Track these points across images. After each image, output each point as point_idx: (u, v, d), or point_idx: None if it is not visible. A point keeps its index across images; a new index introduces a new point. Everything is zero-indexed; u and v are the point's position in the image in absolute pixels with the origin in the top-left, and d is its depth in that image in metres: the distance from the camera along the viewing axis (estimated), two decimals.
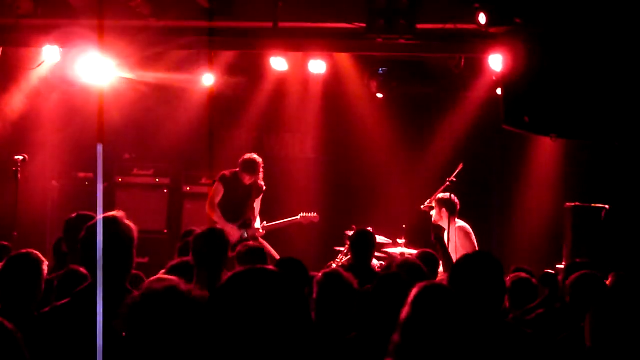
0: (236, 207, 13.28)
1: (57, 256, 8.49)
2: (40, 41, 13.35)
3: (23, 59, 14.83)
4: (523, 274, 9.06)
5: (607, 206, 13.06)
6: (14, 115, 15.79)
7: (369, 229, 10.89)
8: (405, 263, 8.51)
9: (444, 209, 12.65)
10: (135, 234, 5.76)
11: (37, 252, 6.71)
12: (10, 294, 6.41)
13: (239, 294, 3.54)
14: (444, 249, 11.43)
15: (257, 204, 13.42)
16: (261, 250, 9.00)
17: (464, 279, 5.72)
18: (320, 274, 7.02)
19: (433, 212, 12.91)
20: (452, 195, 12.67)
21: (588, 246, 12.67)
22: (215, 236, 7.54)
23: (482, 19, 10.68)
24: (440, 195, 12.70)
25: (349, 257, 12.63)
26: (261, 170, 13.38)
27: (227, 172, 13.41)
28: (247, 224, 13.22)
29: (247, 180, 13.26)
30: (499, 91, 11.96)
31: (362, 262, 10.12)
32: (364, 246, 10.33)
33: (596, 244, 12.68)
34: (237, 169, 13.33)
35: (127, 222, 5.75)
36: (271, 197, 14.60)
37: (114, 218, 5.70)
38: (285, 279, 3.64)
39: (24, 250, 6.73)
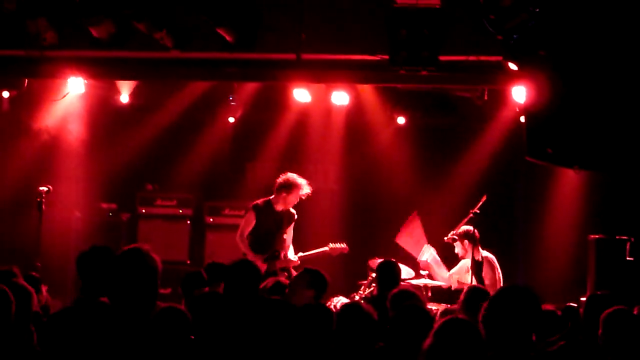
0: (265, 238, 13.07)
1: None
2: (65, 73, 13.44)
3: (48, 90, 14.94)
4: (548, 306, 9.01)
5: (631, 239, 13.00)
6: (39, 146, 15.89)
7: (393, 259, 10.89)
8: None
9: (466, 241, 12.70)
10: (160, 266, 5.78)
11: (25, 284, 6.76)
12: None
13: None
14: (480, 282, 11.46)
15: (289, 233, 13.20)
16: (284, 287, 9.02)
17: (503, 311, 5.69)
18: (339, 306, 7.02)
19: (457, 248, 12.92)
20: (470, 227, 12.70)
21: (612, 279, 12.61)
22: (248, 268, 7.58)
23: (513, 67, 10.74)
24: (463, 227, 12.72)
25: (371, 288, 12.61)
26: (300, 192, 13.16)
27: (259, 201, 13.22)
28: (275, 256, 13.06)
29: (278, 207, 13.13)
30: (522, 122, 11.94)
31: (387, 294, 10.08)
32: (388, 277, 10.31)
33: (620, 276, 12.61)
34: (270, 197, 13.20)
35: (152, 254, 5.78)
36: (294, 228, 14.61)
37: (139, 250, 5.74)
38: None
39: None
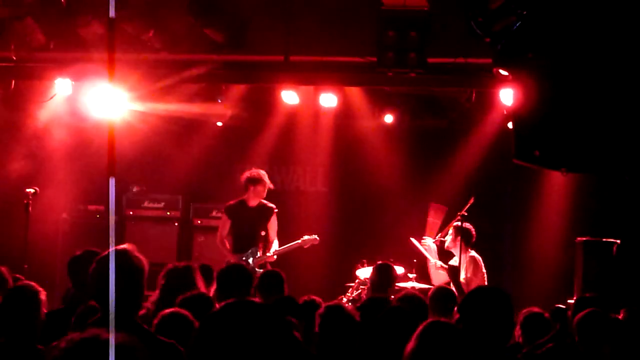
0: (245, 236, 13.20)
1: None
2: (53, 74, 13.41)
3: (35, 91, 14.90)
4: (535, 309, 9.02)
5: (618, 241, 13.03)
6: (26, 148, 15.85)
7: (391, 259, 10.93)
8: (406, 296, 8.53)
9: (459, 237, 12.69)
10: (146, 266, 5.75)
11: (34, 284, 6.73)
12: (11, 327, 6.40)
13: (225, 326, 3.56)
14: (459, 288, 11.46)
15: (271, 228, 13.28)
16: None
17: (473, 313, 5.72)
18: (322, 307, 7.01)
19: (447, 238, 12.94)
20: (471, 226, 12.72)
21: (599, 281, 12.64)
22: (238, 270, 7.58)
23: (503, 73, 10.75)
24: (459, 223, 12.74)
25: (359, 291, 12.61)
26: (266, 183, 13.27)
27: (232, 202, 13.42)
28: (254, 253, 13.10)
29: (251, 202, 13.20)
30: (509, 125, 11.96)
31: (381, 297, 10.09)
32: (384, 280, 10.32)
33: (607, 278, 12.64)
34: (243, 196, 13.29)
35: (137, 254, 5.75)
36: (281, 230, 14.59)
37: (125, 250, 5.70)
38: (270, 311, 3.66)
39: (21, 283, 6.74)
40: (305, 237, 13.49)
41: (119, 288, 5.47)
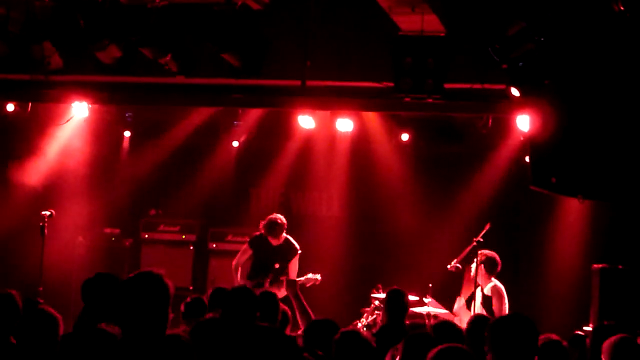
0: (262, 269, 13.27)
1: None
2: (70, 97, 13.45)
3: (52, 114, 14.95)
4: (554, 336, 8.92)
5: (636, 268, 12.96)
6: (42, 171, 15.89)
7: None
8: (442, 324, 8.48)
9: (482, 266, 12.59)
10: (172, 291, 5.68)
11: (51, 309, 6.72)
12: (29, 350, 6.40)
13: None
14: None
15: (292, 269, 13.35)
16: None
17: (500, 339, 5.71)
18: (338, 333, 6.98)
19: (473, 267, 12.84)
20: (494, 254, 12.64)
21: (615, 308, 12.56)
22: (245, 295, 7.54)
23: (515, 92, 10.72)
24: (486, 251, 12.65)
25: (374, 316, 12.56)
26: (284, 230, 13.35)
27: (256, 233, 13.51)
28: (259, 284, 13.08)
29: (274, 241, 13.28)
30: (526, 152, 11.93)
31: (396, 323, 10.04)
32: (397, 306, 10.27)
33: (623, 306, 12.56)
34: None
35: (165, 279, 5.69)
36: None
37: (154, 273, 5.64)
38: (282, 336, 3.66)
39: (41, 307, 6.74)
40: (309, 276, 13.40)
41: (147, 312, 5.46)
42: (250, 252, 13.38)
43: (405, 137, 15.53)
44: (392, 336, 7.22)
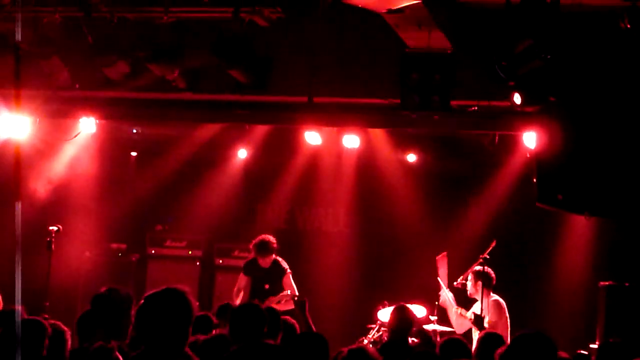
0: (256, 293, 13.25)
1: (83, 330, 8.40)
2: (77, 113, 13.49)
3: (59, 130, 14.98)
4: (563, 354, 8.86)
5: None
6: (49, 186, 15.92)
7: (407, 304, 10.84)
8: (450, 341, 8.47)
9: (479, 282, 12.59)
10: (195, 310, 5.65)
11: (60, 323, 6.75)
12: None
13: None
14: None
15: (287, 287, 13.20)
16: None
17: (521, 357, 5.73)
18: (345, 351, 6.95)
19: (468, 284, 12.83)
20: (489, 269, 12.62)
21: (622, 326, 12.54)
22: (252, 311, 7.55)
23: (517, 99, 10.70)
24: (477, 267, 12.65)
25: (380, 333, 12.55)
26: (274, 251, 13.26)
27: (250, 258, 13.48)
28: None
29: (263, 263, 13.25)
30: (532, 169, 11.93)
31: (399, 340, 10.04)
32: (401, 323, 10.26)
33: (630, 323, 12.54)
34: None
35: (189, 297, 5.66)
36: (303, 271, 14.58)
37: (178, 291, 5.62)
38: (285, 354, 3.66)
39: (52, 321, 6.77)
40: (282, 293, 13.26)
41: (170, 329, 5.43)
42: (246, 278, 13.38)
43: (412, 157, 15.53)
44: (396, 353, 7.20)
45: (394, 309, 10.59)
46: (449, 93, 11.20)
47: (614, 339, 9.89)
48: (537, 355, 5.80)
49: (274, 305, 12.45)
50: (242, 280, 13.41)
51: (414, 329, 11.12)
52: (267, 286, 13.22)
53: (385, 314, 12.58)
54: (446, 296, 13.09)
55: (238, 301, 13.15)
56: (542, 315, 15.33)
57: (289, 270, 13.32)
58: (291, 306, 12.46)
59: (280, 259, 13.39)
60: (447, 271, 13.41)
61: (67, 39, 11.78)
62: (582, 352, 9.63)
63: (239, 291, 13.35)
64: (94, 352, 6.86)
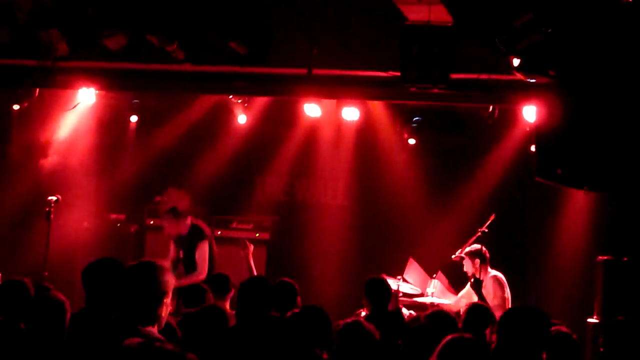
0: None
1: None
2: (77, 83, 13.47)
3: (59, 100, 14.97)
4: (564, 328, 8.81)
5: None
6: (48, 156, 15.93)
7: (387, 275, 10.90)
8: (435, 314, 8.48)
9: (477, 260, 12.64)
10: (171, 286, 5.79)
11: (60, 294, 6.78)
12: (38, 335, 6.44)
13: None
14: (482, 299, 11.40)
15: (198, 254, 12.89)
16: None
17: (514, 331, 5.74)
18: (341, 324, 6.94)
19: (466, 266, 12.87)
20: (479, 245, 12.67)
21: (620, 300, 12.56)
22: (260, 285, 7.57)
23: (516, 61, 10.67)
24: (469, 248, 12.69)
25: None
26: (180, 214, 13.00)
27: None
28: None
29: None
30: (532, 143, 11.92)
31: (380, 310, 10.07)
32: (379, 294, 10.30)
33: (628, 298, 12.56)
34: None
35: (166, 272, 5.79)
36: (302, 243, 14.61)
37: (153, 264, 5.75)
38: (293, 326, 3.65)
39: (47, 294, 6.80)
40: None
41: (141, 301, 5.57)
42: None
43: (412, 141, 15.50)
44: (379, 325, 7.19)
45: (368, 281, 10.60)
46: (448, 66, 11.18)
47: (615, 315, 9.87)
48: (530, 329, 5.80)
49: None
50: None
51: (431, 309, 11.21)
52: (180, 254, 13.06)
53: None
54: (436, 285, 13.12)
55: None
56: (541, 289, 15.37)
57: (206, 234, 13.09)
58: None
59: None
60: (421, 269, 13.44)
61: (66, 9, 11.74)
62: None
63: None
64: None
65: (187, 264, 12.83)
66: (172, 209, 12.93)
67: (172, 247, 13.17)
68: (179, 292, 10.13)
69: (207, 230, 13.11)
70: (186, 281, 12.07)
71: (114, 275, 6.62)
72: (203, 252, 12.82)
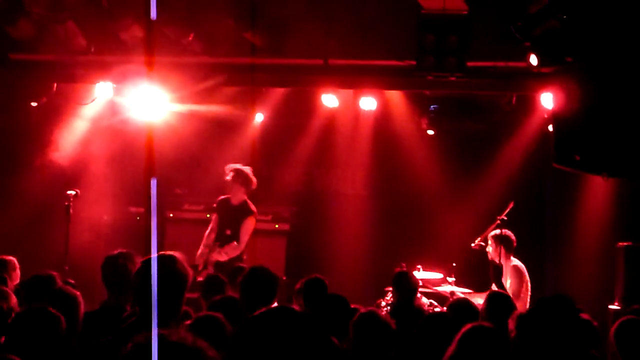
0: (220, 231, 13.22)
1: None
2: (94, 77, 13.50)
3: (77, 94, 15.01)
4: (585, 315, 8.74)
5: None
6: (67, 150, 15.96)
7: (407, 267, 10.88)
8: (457, 303, 8.47)
9: (501, 246, 12.55)
10: (190, 276, 5.78)
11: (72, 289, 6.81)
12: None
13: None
14: (501, 288, 11.36)
15: (244, 228, 13.08)
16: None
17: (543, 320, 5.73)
18: (356, 315, 6.90)
19: (489, 249, 12.81)
20: (508, 232, 12.60)
21: None
22: (262, 275, 7.55)
23: (534, 60, 10.64)
24: (497, 231, 12.62)
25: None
26: (249, 180, 13.29)
27: (223, 196, 13.43)
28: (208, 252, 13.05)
29: (234, 199, 13.23)
30: (550, 129, 11.88)
31: (406, 303, 10.08)
32: (406, 287, 10.31)
33: None
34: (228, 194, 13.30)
35: (184, 263, 5.78)
36: (321, 233, 14.59)
37: (172, 257, 5.74)
38: (309, 319, 3.64)
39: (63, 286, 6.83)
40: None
41: (162, 292, 5.55)
42: (215, 215, 13.49)
43: (430, 132, 15.48)
44: (404, 317, 7.21)
45: (396, 274, 10.62)
46: (464, 54, 11.17)
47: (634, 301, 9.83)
48: (560, 318, 5.77)
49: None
50: (214, 219, 13.44)
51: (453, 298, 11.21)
52: (228, 232, 13.18)
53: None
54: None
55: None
56: (561, 276, 15.33)
57: (254, 212, 13.23)
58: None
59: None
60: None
61: (82, 3, 11.78)
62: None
63: (210, 232, 13.31)
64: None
65: (229, 237, 13.02)
66: (243, 174, 13.15)
67: (214, 219, 13.40)
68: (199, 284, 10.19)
69: (255, 210, 13.24)
70: (228, 250, 12.76)
71: (133, 269, 6.64)
72: (248, 227, 13.06)
